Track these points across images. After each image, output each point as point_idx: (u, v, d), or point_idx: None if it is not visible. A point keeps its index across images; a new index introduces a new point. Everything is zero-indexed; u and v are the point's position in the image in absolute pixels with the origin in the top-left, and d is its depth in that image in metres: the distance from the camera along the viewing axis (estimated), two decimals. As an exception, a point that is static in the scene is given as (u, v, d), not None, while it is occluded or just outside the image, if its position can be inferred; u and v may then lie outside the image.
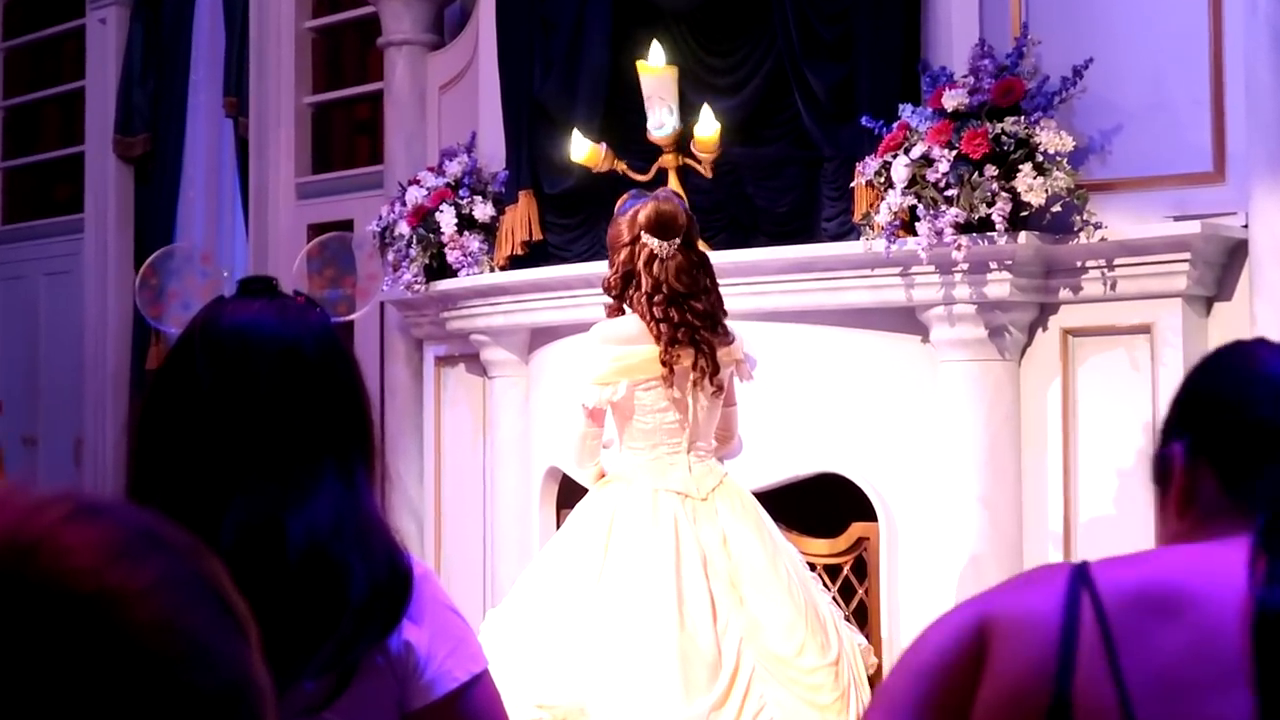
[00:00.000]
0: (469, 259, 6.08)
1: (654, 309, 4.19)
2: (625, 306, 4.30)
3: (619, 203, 4.47)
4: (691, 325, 4.20)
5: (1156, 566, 1.44)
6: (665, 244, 4.21)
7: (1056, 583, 1.42)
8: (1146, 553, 1.50)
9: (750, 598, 4.12)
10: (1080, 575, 1.42)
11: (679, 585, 4.08)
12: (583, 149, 5.30)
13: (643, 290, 4.21)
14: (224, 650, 0.75)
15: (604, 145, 5.26)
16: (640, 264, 4.21)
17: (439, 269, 6.17)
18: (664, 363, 4.19)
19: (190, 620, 0.74)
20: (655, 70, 5.15)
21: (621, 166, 5.28)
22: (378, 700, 1.78)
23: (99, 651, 0.71)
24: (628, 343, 4.23)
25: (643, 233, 4.23)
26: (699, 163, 5.16)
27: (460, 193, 6.16)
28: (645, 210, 4.25)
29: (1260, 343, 1.58)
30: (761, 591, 4.13)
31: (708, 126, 5.04)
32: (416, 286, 6.21)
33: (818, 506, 5.11)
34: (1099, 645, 1.37)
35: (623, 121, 5.50)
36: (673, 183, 5.19)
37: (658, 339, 4.20)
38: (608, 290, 4.32)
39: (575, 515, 4.33)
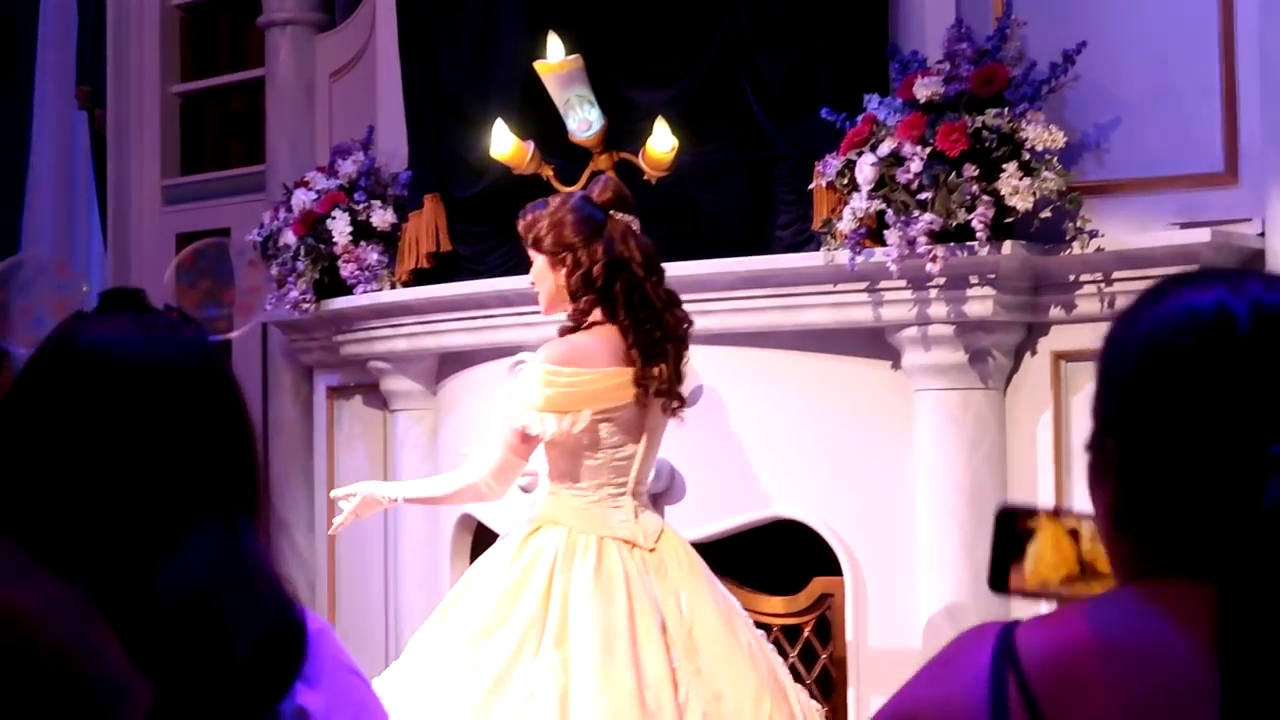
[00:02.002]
0: (366, 273, 6.07)
1: (638, 311, 4.22)
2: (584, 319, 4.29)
3: (526, 212, 4.44)
4: (667, 328, 4.26)
5: (1088, 627, 1.48)
6: (634, 219, 4.33)
7: (979, 666, 1.47)
8: (1078, 609, 1.53)
9: (708, 668, 4.10)
10: (1005, 653, 1.47)
11: (636, 658, 4.04)
12: (505, 144, 5.27)
13: (620, 288, 4.23)
14: (118, 667, 0.77)
15: (531, 144, 5.25)
16: (618, 247, 4.25)
17: (331, 285, 6.15)
18: (641, 382, 4.20)
19: (87, 640, 0.76)
20: (556, 66, 5.07)
21: (548, 171, 5.26)
22: (269, 775, 1.77)
23: (12, 671, 0.73)
24: (587, 364, 4.21)
25: (611, 210, 4.31)
26: (639, 159, 5.15)
27: (355, 197, 6.14)
28: (600, 189, 4.35)
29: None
30: (721, 660, 4.11)
31: (663, 141, 5.01)
32: (305, 305, 6.18)
33: (773, 559, 5.12)
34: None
35: (545, 118, 5.47)
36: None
37: (636, 350, 4.21)
38: (575, 297, 4.29)
39: (492, 566, 4.28)
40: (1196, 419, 1.47)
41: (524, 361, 5.35)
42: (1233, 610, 1.39)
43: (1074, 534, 1.57)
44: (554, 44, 5.11)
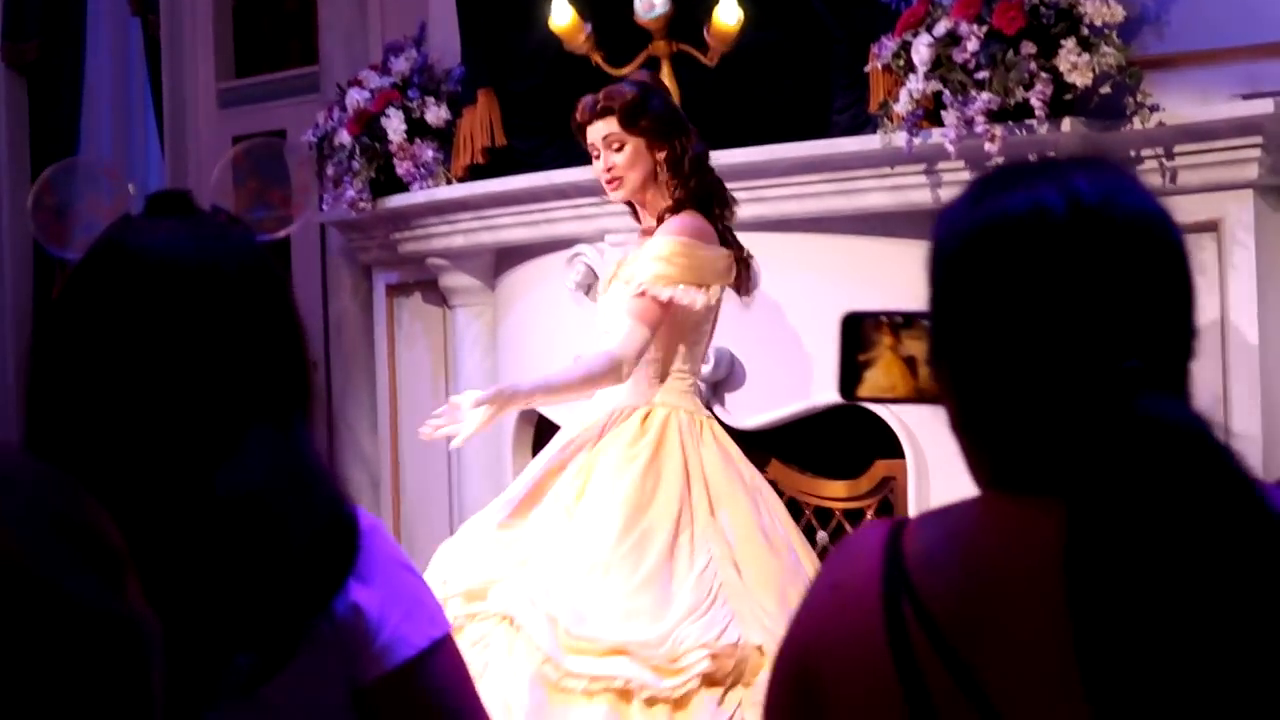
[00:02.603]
0: (422, 170, 6.06)
1: (722, 198, 4.43)
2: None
3: (621, 89, 4.48)
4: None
5: (972, 531, 1.47)
6: None
7: (869, 592, 1.45)
8: (963, 507, 1.50)
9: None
10: (895, 575, 1.45)
11: (761, 521, 4.29)
12: (564, 16, 5.26)
13: (711, 176, 4.43)
14: (78, 586, 0.78)
15: (588, 24, 5.24)
16: (696, 153, 4.40)
17: (387, 183, 6.15)
18: (743, 260, 4.43)
19: (35, 557, 0.78)
20: None
21: (598, 57, 5.26)
22: (323, 673, 1.78)
23: None
24: (711, 240, 4.37)
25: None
26: (703, 52, 5.12)
27: (409, 94, 6.13)
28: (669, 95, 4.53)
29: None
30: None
31: (729, 13, 5.01)
32: (362, 204, 6.19)
33: (835, 443, 5.13)
34: (933, 654, 1.42)
35: (602, 3, 5.45)
36: (665, 74, 5.18)
37: (728, 234, 4.42)
38: (679, 180, 4.37)
39: (614, 450, 4.28)
40: (1020, 330, 1.40)
41: (581, 254, 5.36)
42: (1081, 534, 1.33)
43: (910, 362, 1.54)
44: None
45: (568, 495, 4.28)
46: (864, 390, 1.56)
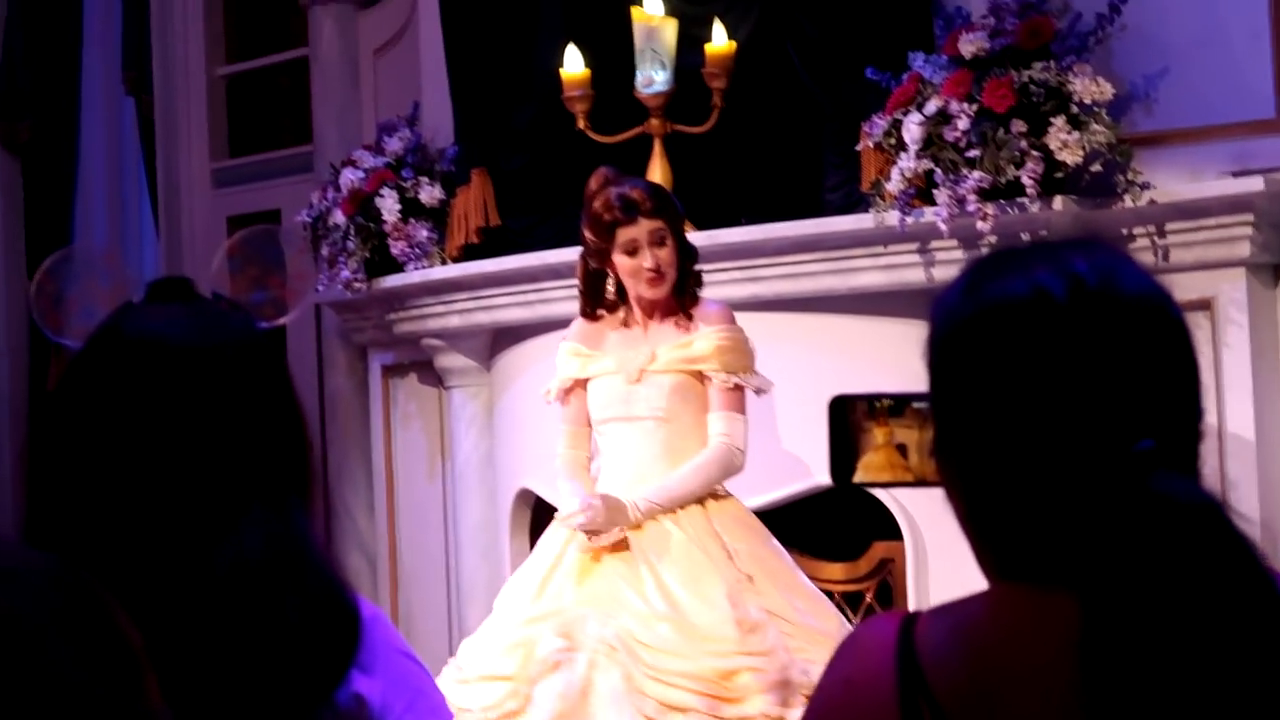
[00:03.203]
0: (416, 250, 6.08)
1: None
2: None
3: (647, 187, 4.55)
4: None
5: (984, 625, 1.45)
6: None
7: (884, 687, 1.44)
8: (973, 601, 1.48)
9: None
10: (909, 671, 1.43)
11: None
12: (576, 64, 5.32)
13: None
14: (98, 688, 0.78)
15: (591, 88, 5.32)
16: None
17: (382, 263, 6.17)
18: None
19: (35, 653, 0.77)
20: (652, 19, 5.19)
21: (583, 121, 5.33)
22: (327, 764, 1.79)
23: None
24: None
25: None
26: (697, 124, 5.19)
27: (403, 173, 6.16)
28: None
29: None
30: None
31: (719, 38, 5.14)
32: (357, 284, 6.21)
33: (832, 524, 5.13)
34: None
35: (596, 74, 5.48)
36: (656, 152, 5.23)
37: None
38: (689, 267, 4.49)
39: (688, 538, 4.35)
40: (1028, 417, 1.38)
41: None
42: (1097, 624, 1.30)
43: (902, 449, 1.53)
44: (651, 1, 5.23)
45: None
46: (859, 475, 1.56)
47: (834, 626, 4.26)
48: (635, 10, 5.21)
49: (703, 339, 4.40)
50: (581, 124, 5.30)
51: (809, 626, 4.21)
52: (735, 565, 4.27)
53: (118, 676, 0.82)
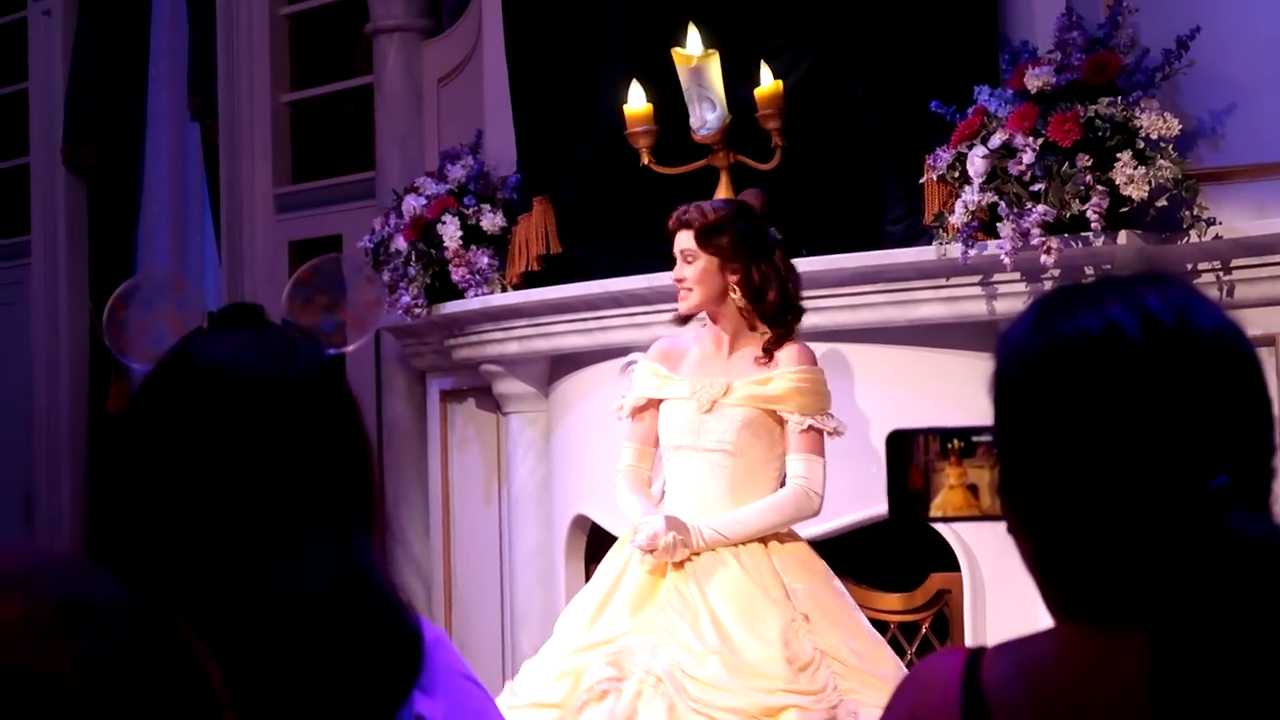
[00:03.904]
0: (477, 277, 6.11)
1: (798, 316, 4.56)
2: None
3: (708, 208, 4.57)
4: None
5: (1051, 663, 1.44)
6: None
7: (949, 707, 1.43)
8: (1040, 639, 1.47)
9: None
10: (975, 707, 1.42)
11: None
12: (639, 100, 5.30)
13: (794, 296, 4.54)
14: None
15: (654, 124, 5.30)
16: (784, 268, 4.55)
17: (442, 289, 6.20)
18: None
19: (122, 696, 0.77)
20: (692, 59, 5.14)
21: (647, 156, 5.31)
22: (390, 787, 1.80)
23: None
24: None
25: (770, 227, 4.58)
26: (762, 160, 5.19)
27: (465, 201, 6.20)
28: (758, 199, 4.67)
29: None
30: None
31: (766, 79, 5.11)
32: (417, 310, 6.25)
33: (889, 555, 5.12)
34: None
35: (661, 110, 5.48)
36: (723, 185, 5.23)
37: None
38: (761, 303, 4.47)
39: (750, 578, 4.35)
40: (1102, 455, 1.36)
41: (635, 362, 5.39)
42: (1169, 664, 1.28)
43: (973, 489, 1.51)
44: (693, 34, 5.17)
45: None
46: (935, 513, 1.55)
47: (890, 670, 4.23)
48: (676, 53, 5.17)
49: (781, 378, 4.40)
50: (645, 160, 5.30)
51: (863, 669, 4.19)
52: (792, 604, 4.27)
53: (199, 712, 0.82)
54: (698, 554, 4.31)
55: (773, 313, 4.44)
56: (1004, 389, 1.44)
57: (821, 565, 4.46)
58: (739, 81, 5.41)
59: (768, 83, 5.13)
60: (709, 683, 4.11)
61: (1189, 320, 1.39)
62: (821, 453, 4.40)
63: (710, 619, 4.23)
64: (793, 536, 4.45)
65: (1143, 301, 1.39)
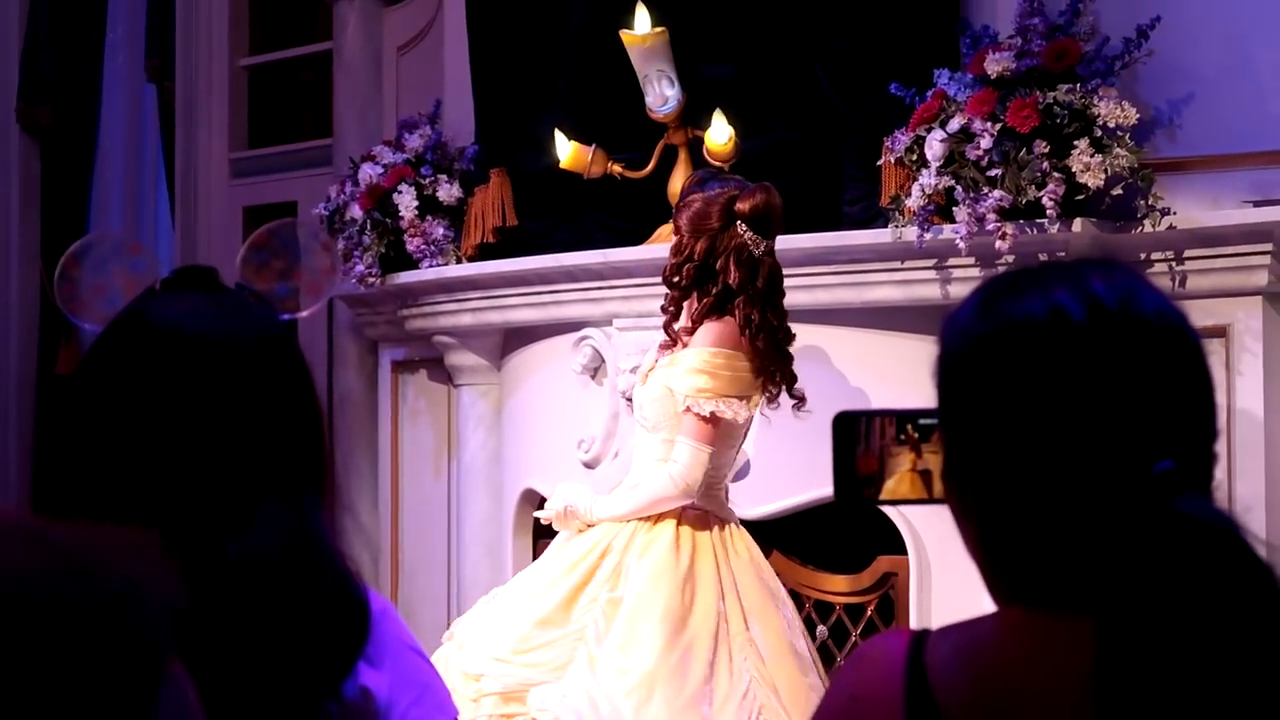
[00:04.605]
0: (432, 248, 6.09)
1: (753, 312, 4.27)
2: (683, 305, 4.38)
3: (692, 180, 4.52)
4: (788, 333, 4.36)
5: (995, 648, 1.44)
6: (762, 241, 4.33)
7: (892, 706, 1.43)
8: (984, 623, 1.47)
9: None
10: (918, 690, 1.42)
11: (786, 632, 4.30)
12: (564, 149, 5.33)
13: (735, 288, 4.29)
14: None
15: (594, 146, 5.31)
16: (731, 260, 4.29)
17: (397, 259, 6.18)
18: (765, 374, 4.31)
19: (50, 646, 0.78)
20: (642, 38, 5.11)
21: (617, 169, 5.33)
22: (331, 756, 1.79)
23: None
24: (737, 352, 4.30)
25: (739, 222, 4.31)
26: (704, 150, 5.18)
27: (422, 171, 6.17)
28: (753, 200, 4.32)
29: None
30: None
31: (720, 133, 5.06)
32: (371, 280, 6.22)
33: (836, 537, 5.13)
34: None
35: (617, 92, 5.48)
36: (682, 163, 5.22)
37: (755, 348, 4.27)
38: (671, 281, 4.37)
39: (654, 560, 4.27)
40: (1046, 439, 1.37)
41: (589, 337, 5.39)
42: (1113, 647, 1.28)
43: (926, 474, 1.52)
44: (641, 16, 5.13)
45: (604, 601, 4.25)
46: (885, 495, 1.54)
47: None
48: (624, 34, 5.13)
49: (684, 357, 4.32)
50: (619, 174, 5.34)
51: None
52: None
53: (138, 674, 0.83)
54: (592, 525, 4.35)
55: (698, 293, 4.34)
56: (949, 372, 1.45)
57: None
58: (699, 60, 5.40)
59: (721, 138, 5.07)
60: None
61: (1134, 304, 1.39)
62: (701, 437, 4.23)
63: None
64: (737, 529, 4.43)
65: (1088, 286, 1.39)
